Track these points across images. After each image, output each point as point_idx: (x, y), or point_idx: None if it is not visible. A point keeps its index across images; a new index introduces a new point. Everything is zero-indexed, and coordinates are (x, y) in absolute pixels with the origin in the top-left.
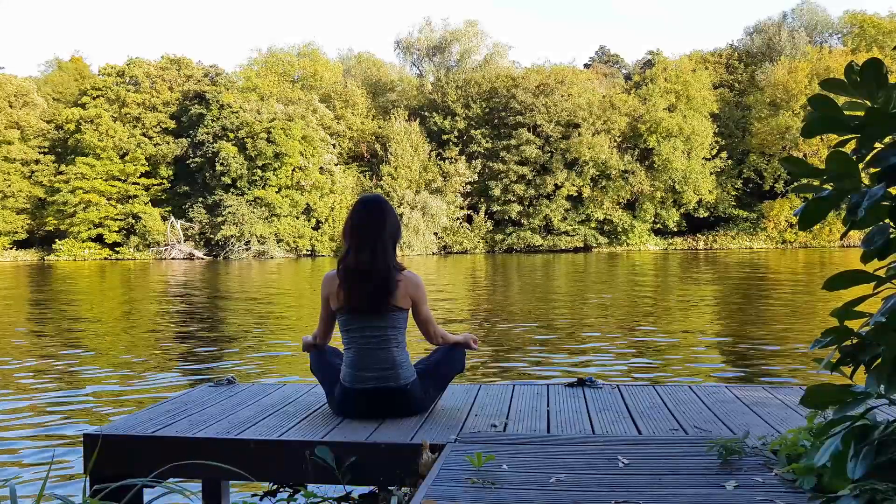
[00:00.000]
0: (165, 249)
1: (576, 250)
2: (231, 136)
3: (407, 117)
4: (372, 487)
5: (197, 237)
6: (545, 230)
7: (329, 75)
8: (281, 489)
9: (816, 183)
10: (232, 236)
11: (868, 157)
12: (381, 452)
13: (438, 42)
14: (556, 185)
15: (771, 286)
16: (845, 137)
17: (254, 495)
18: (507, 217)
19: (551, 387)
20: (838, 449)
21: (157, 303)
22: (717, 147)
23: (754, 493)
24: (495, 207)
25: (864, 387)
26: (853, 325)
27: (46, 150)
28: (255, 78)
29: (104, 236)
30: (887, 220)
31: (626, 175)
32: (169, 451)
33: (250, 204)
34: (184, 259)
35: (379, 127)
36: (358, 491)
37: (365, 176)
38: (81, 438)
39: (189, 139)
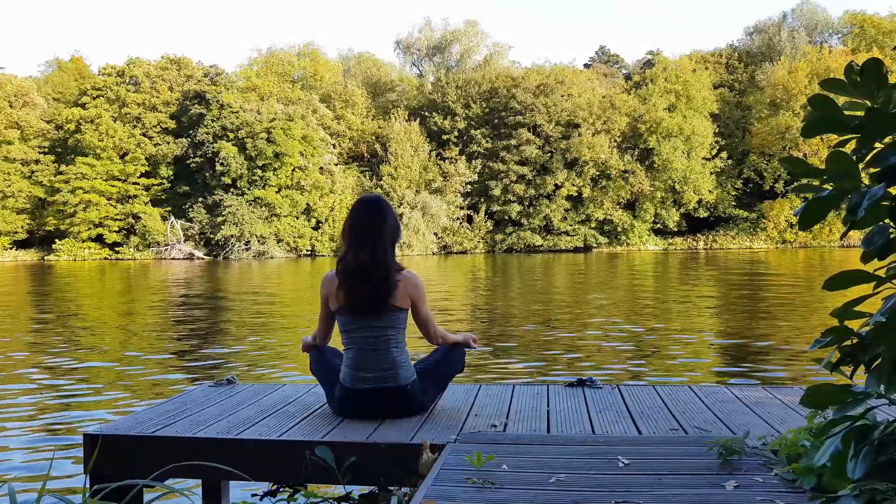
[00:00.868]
0: (165, 249)
1: (576, 250)
2: (231, 136)
3: (407, 117)
4: (372, 487)
5: (197, 237)
6: (545, 230)
7: (329, 75)
8: (281, 489)
9: (816, 183)
10: (232, 236)
11: (868, 157)
12: (381, 452)
13: (438, 42)
14: (556, 185)
15: (771, 286)
16: (845, 137)
17: (254, 495)
18: (507, 217)
19: (551, 387)
20: (838, 449)
21: (157, 303)
22: (717, 147)
23: (754, 493)
24: (495, 207)
25: (864, 387)
26: (853, 325)
27: (46, 150)
28: (255, 78)
29: (104, 236)
30: (887, 220)
31: (626, 175)
32: (169, 451)
33: (250, 204)
34: (184, 259)
35: (379, 127)
36: (358, 491)
37: (365, 176)
38: (81, 438)
39: (189, 139)
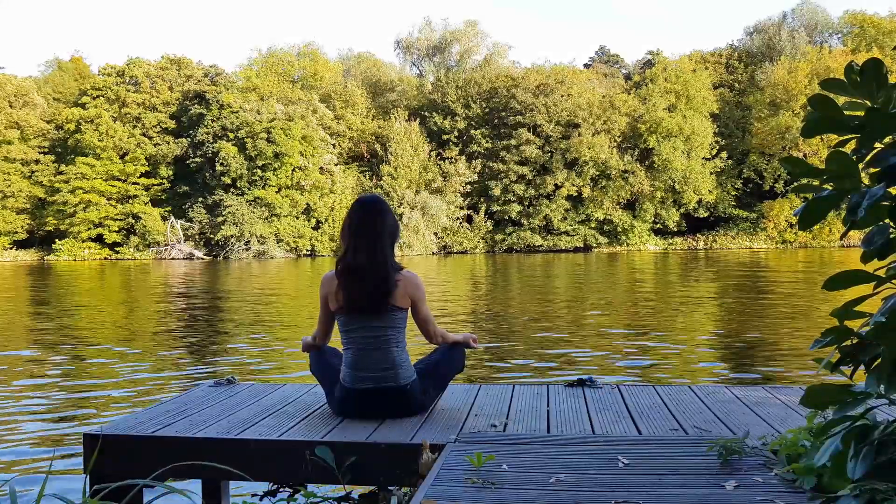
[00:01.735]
0: (165, 249)
1: (576, 250)
2: (231, 136)
3: (407, 117)
4: (372, 487)
5: (197, 237)
6: (545, 230)
7: (329, 75)
8: (281, 489)
9: (816, 183)
10: (232, 236)
11: (868, 157)
12: (381, 452)
13: (438, 42)
14: (556, 185)
15: (771, 286)
16: (845, 137)
17: (254, 495)
18: (507, 217)
19: (551, 387)
20: (838, 449)
21: (157, 303)
22: (717, 147)
23: (754, 493)
24: (495, 207)
25: (864, 387)
26: (853, 325)
27: (46, 150)
28: (255, 78)
29: (104, 236)
30: (887, 220)
31: (626, 175)
32: (169, 451)
33: (250, 204)
34: (184, 259)
35: (379, 127)
36: (358, 491)
37: (365, 176)
38: (81, 438)
39: (189, 139)
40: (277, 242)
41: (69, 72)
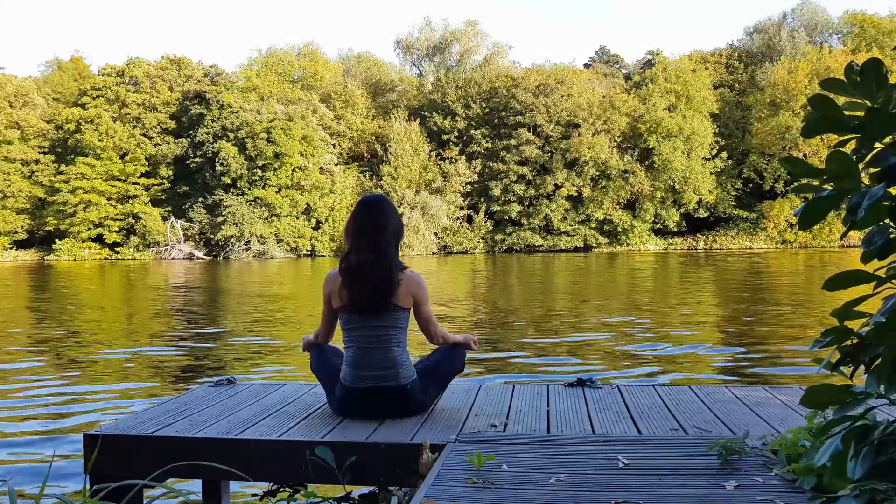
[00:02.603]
0: (165, 249)
1: (576, 250)
2: (231, 136)
3: (407, 117)
4: (372, 487)
5: (197, 237)
6: (545, 230)
7: (329, 75)
8: (281, 489)
9: (816, 183)
10: (232, 236)
11: (868, 157)
12: (381, 452)
13: (438, 42)
14: (556, 185)
15: (771, 286)
16: (845, 137)
17: (254, 495)
18: (507, 217)
19: (551, 387)
20: (838, 449)
21: (157, 303)
22: (717, 147)
23: (754, 493)
24: (495, 207)
25: (864, 387)
26: (853, 325)
27: (46, 150)
28: (255, 78)
29: (104, 236)
30: (887, 220)
31: (626, 175)
32: (169, 451)
33: (250, 204)
34: (184, 259)
35: (379, 127)
36: (358, 491)
37: (365, 176)
38: (81, 438)
39: (189, 139)
40: (277, 242)
41: (69, 72)
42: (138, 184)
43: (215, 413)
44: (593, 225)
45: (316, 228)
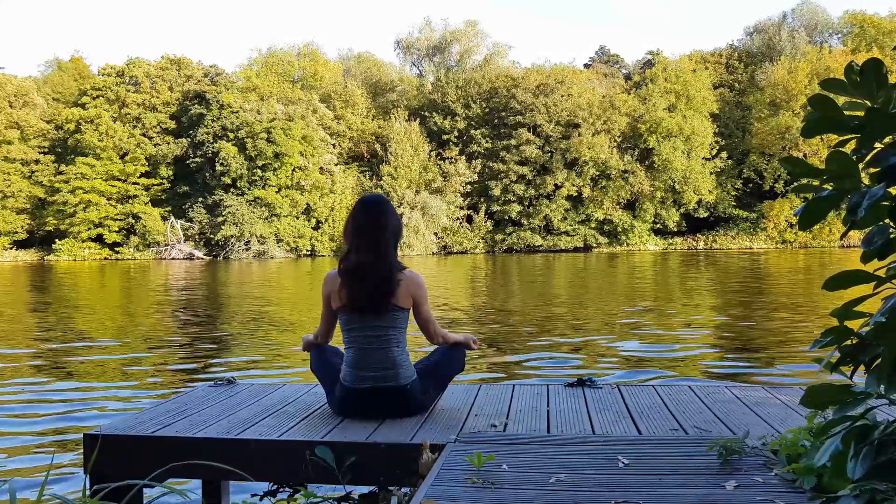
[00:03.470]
0: (165, 249)
1: (576, 250)
2: (231, 136)
3: (407, 117)
4: (372, 487)
5: (197, 237)
6: (545, 230)
7: (329, 75)
8: (281, 489)
9: (816, 183)
10: (232, 236)
11: (868, 157)
12: (381, 452)
13: (438, 42)
14: (556, 185)
15: (771, 286)
16: (845, 137)
17: (254, 495)
18: (507, 217)
19: (551, 387)
20: (838, 449)
21: (157, 303)
22: (717, 147)
23: (754, 493)
24: (495, 207)
25: (864, 387)
26: (853, 325)
27: (46, 150)
28: (255, 78)
29: (104, 236)
30: (887, 220)
31: (626, 175)
32: (169, 451)
33: (250, 204)
34: (184, 259)
35: (379, 127)
36: (358, 491)
37: (365, 176)
38: (81, 438)
39: (189, 139)
40: (277, 242)
41: (69, 72)
42: (138, 184)
43: (215, 413)
44: (593, 225)
45: (316, 228)
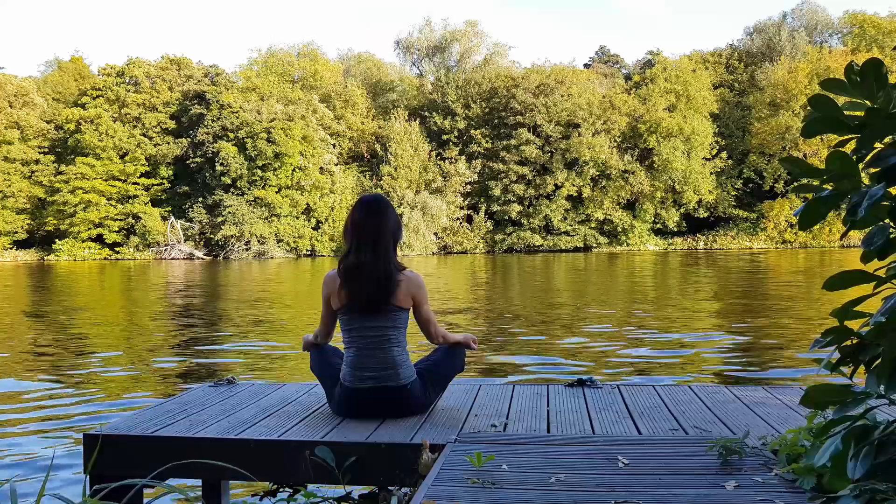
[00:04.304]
0: (165, 249)
1: (576, 250)
2: (231, 136)
3: (407, 117)
4: (372, 487)
5: (197, 237)
6: (545, 230)
7: (329, 75)
8: (281, 489)
9: (816, 183)
10: (232, 236)
11: (868, 157)
12: (381, 452)
13: (438, 42)
14: (556, 185)
15: (771, 286)
16: (845, 137)
17: (254, 495)
18: (507, 217)
19: (551, 387)
20: (838, 449)
21: (157, 303)
22: (717, 147)
23: (754, 493)
24: (495, 207)
25: (864, 387)
26: (853, 325)
27: (46, 150)
28: (255, 78)
29: (104, 236)
30: (887, 220)
31: (626, 175)
32: (169, 451)
33: (250, 204)
34: (184, 259)
35: (379, 127)
36: (358, 491)
37: (365, 176)
38: (81, 438)
39: (189, 139)
40: (277, 242)
41: (69, 72)
42: (138, 184)
43: (215, 413)
44: (593, 225)
45: (316, 228)
